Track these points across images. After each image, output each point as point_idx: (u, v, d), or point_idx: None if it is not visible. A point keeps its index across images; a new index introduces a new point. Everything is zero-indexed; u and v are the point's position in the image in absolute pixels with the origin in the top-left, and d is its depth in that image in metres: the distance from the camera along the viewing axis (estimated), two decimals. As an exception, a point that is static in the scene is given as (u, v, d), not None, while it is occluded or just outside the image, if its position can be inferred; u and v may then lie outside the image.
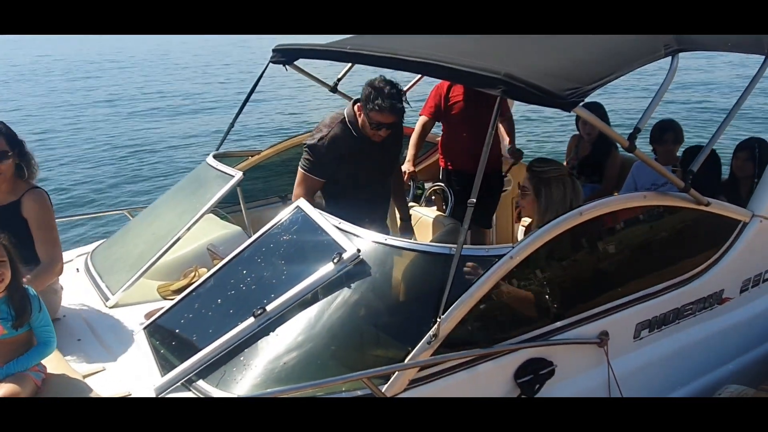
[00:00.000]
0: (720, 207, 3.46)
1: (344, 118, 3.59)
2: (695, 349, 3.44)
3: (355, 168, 3.58)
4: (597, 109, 5.04)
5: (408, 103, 3.55)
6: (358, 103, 3.54)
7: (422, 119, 4.63)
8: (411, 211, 4.49)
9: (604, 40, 3.14)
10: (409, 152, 4.62)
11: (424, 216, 4.41)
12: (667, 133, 4.56)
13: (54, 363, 2.65)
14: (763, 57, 3.49)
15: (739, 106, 3.45)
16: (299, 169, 3.58)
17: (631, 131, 2.99)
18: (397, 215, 4.17)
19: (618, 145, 4.14)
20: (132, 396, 2.57)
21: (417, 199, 4.74)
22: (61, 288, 3.25)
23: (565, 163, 5.54)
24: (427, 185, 4.90)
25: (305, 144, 3.61)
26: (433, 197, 4.85)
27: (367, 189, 3.65)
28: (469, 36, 3.59)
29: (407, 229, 3.95)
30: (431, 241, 3.78)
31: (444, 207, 4.75)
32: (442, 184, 4.70)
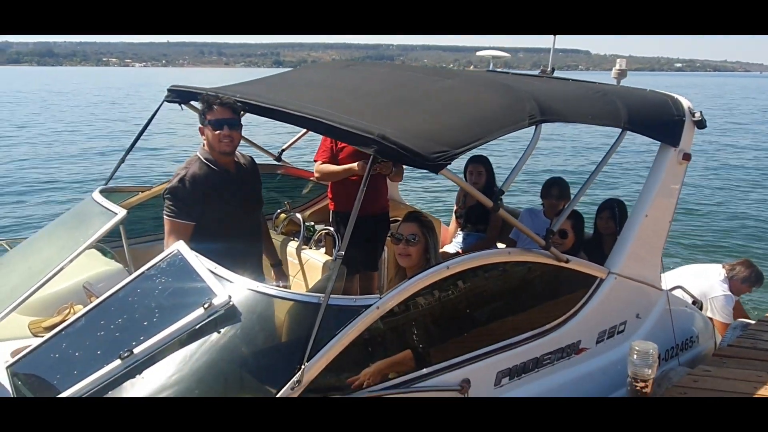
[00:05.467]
0: (578, 264, 3.76)
1: (198, 156, 3.58)
2: (552, 395, 3.68)
3: (221, 205, 3.53)
4: (484, 161, 5.38)
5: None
6: (200, 126, 3.55)
7: (318, 164, 4.72)
8: (302, 254, 4.61)
9: (475, 107, 3.40)
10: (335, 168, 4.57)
11: (312, 258, 4.53)
12: (552, 188, 4.93)
13: None
14: (620, 129, 3.85)
15: (598, 172, 3.79)
16: (165, 217, 3.44)
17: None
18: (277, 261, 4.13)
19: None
20: None
21: (307, 242, 4.84)
22: None
23: (453, 212, 5.84)
24: (318, 227, 5.02)
25: (164, 191, 3.51)
26: (323, 240, 4.97)
27: (238, 227, 3.60)
28: (360, 91, 3.82)
29: (281, 275, 3.99)
30: (312, 287, 3.88)
31: (334, 249, 4.88)
32: (331, 228, 4.83)
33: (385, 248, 5.00)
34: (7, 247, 4.30)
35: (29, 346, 3.02)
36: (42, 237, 4.06)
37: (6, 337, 3.28)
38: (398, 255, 3.50)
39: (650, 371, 3.44)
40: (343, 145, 4.54)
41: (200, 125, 3.55)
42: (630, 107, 3.89)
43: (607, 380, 3.94)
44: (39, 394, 2.73)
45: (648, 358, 3.42)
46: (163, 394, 2.64)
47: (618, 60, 4.66)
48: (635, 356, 3.43)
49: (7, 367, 2.93)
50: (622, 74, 4.60)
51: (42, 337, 3.21)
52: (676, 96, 4.29)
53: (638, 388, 3.48)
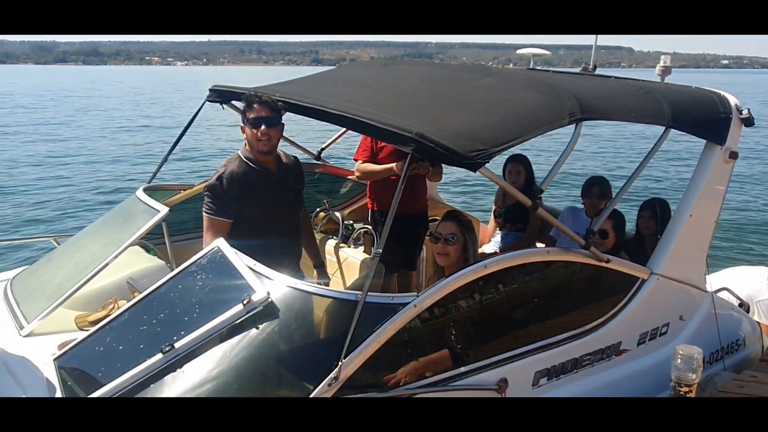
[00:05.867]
0: (619, 264, 3.70)
1: (239, 155, 3.61)
2: (591, 397, 3.63)
3: (260, 203, 3.55)
4: (523, 160, 5.33)
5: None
6: (242, 125, 3.59)
7: (358, 164, 4.74)
8: (341, 252, 4.64)
9: (515, 105, 3.36)
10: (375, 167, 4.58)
11: (350, 257, 4.54)
12: (593, 188, 4.86)
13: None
14: (664, 128, 3.77)
15: (640, 171, 3.73)
16: (204, 214, 3.49)
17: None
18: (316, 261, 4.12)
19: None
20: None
21: (346, 240, 4.86)
22: None
23: (492, 211, 5.80)
24: (356, 226, 5.04)
25: (204, 188, 3.57)
26: (362, 238, 4.99)
27: (276, 226, 3.62)
28: (399, 89, 3.82)
29: (323, 275, 4.00)
30: (351, 285, 3.90)
31: (372, 248, 4.89)
32: (370, 226, 4.85)
33: (424, 247, 4.99)
34: (54, 243, 4.43)
35: (75, 339, 3.11)
36: (88, 233, 4.18)
37: (53, 330, 3.37)
38: (437, 254, 3.50)
39: (695, 376, 3.36)
40: (383, 144, 4.53)
41: (241, 124, 3.60)
42: (674, 105, 3.81)
43: (648, 383, 3.86)
44: (84, 385, 2.80)
45: (692, 362, 3.34)
46: (203, 388, 2.69)
47: (662, 57, 4.56)
48: (679, 360, 3.35)
49: (54, 360, 3.02)
50: (666, 71, 4.50)
51: (87, 330, 3.30)
52: (722, 93, 4.19)
53: (682, 392, 3.40)
